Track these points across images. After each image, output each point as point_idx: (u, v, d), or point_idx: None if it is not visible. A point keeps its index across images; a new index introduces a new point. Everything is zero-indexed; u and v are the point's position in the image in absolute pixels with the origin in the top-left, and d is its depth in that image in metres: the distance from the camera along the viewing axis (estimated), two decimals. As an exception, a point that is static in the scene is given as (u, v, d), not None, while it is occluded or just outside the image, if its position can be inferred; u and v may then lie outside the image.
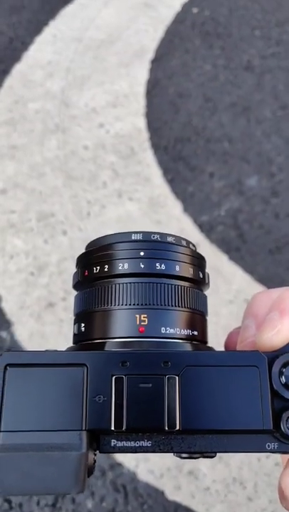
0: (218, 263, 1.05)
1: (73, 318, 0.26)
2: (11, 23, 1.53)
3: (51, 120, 1.30)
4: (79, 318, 0.25)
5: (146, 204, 1.14)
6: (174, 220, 1.11)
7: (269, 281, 1.03)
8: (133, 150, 1.24)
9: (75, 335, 0.25)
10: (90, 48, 1.48)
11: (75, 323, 0.26)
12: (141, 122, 1.30)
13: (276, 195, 1.17)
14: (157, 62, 1.45)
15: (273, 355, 0.22)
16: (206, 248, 1.07)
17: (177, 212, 1.12)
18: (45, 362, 0.21)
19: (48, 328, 0.97)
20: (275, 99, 1.37)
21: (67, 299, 1.00)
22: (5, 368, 0.20)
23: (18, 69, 1.42)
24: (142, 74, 1.42)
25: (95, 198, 1.15)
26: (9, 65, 1.42)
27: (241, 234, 1.10)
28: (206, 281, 0.26)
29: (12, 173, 1.20)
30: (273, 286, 1.03)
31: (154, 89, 1.38)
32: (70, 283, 1.02)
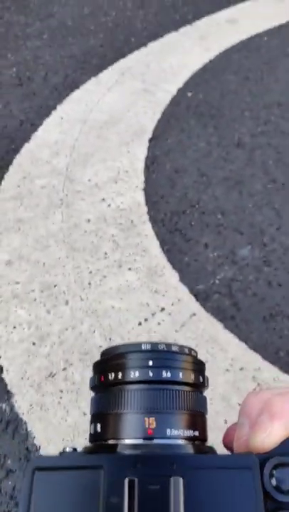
0: (213, 332, 1.09)
1: (90, 417, 0.29)
2: (23, 108, 1.69)
3: (56, 195, 1.40)
4: (94, 418, 0.28)
5: (145, 274, 1.20)
6: (172, 290, 1.17)
7: (263, 349, 1.06)
8: (133, 222, 1.33)
9: (91, 434, 0.28)
10: (94, 128, 1.62)
11: (91, 423, 0.28)
12: (140, 196, 1.40)
13: (268, 264, 1.23)
14: (155, 140, 1.59)
15: (264, 457, 0.24)
16: (202, 317, 1.11)
17: (174, 282, 1.18)
18: (68, 465, 0.24)
19: (48, 398, 0.99)
20: (265, 174, 1.48)
21: (68, 369, 1.03)
22: (33, 472, 0.23)
23: (27, 148, 1.56)
24: (141, 151, 1.54)
25: (97, 269, 1.22)
26: (19, 144, 1.56)
27: (236, 302, 1.15)
28: (206, 384, 0.29)
29: (17, 245, 1.28)
30: (267, 354, 1.06)
31: (152, 165, 1.50)
32: (71, 353, 1.04)
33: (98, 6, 2.24)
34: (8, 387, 1.02)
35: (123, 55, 1.95)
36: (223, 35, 2.07)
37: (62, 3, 2.23)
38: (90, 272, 1.22)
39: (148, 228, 1.32)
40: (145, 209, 1.36)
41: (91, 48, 1.99)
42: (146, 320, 1.12)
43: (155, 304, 1.14)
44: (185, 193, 1.41)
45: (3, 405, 1.00)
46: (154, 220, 1.33)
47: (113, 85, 1.80)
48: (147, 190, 1.42)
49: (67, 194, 1.40)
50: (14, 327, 1.11)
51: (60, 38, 2.03)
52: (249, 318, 1.12)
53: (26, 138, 1.58)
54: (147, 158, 1.53)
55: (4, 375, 1.04)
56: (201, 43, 2.03)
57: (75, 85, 1.79)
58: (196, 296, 1.15)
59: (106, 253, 1.26)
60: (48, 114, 1.67)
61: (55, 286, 1.19)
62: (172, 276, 1.20)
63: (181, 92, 1.77)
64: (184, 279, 1.19)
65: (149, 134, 1.60)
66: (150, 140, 1.59)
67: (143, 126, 1.63)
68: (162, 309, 1.12)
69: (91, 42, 2.02)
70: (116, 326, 1.10)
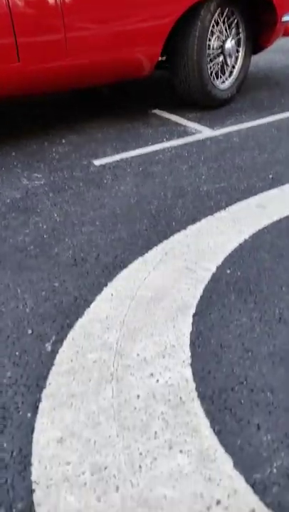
0: (276, 530, 1.06)
1: None
2: (77, 285, 1.99)
3: (107, 370, 1.55)
4: None
5: (197, 458, 1.24)
6: (226, 478, 1.19)
7: None
8: (182, 399, 1.42)
9: None
10: (141, 304, 1.86)
11: None
12: (188, 372, 1.52)
13: None
14: (198, 315, 1.78)
15: None
16: None
17: (228, 469, 1.20)
18: None
19: None
20: (309, 349, 1.59)
21: None
22: None
23: (81, 323, 1.77)
24: (186, 326, 1.73)
25: (147, 450, 1.27)
26: (73, 320, 1.79)
27: (296, 494, 1.14)
28: None
29: (69, 422, 1.37)
30: None
31: (197, 340, 1.66)
32: None
33: (142, 196, 2.75)
34: None
35: (165, 237, 2.32)
36: (254, 219, 2.45)
37: (112, 196, 2.77)
38: (141, 454, 1.27)
39: (197, 406, 1.40)
40: (193, 385, 1.47)
41: (137, 231, 2.39)
42: (201, 512, 1.11)
43: (210, 495, 1.14)
44: (232, 369, 1.53)
45: None
46: (202, 397, 1.42)
47: (157, 264, 2.11)
48: (194, 366, 1.55)
49: (117, 369, 1.55)
50: (64, 517, 1.12)
51: (110, 224, 2.47)
52: (313, 513, 1.10)
53: (80, 313, 1.82)
54: (192, 333, 1.70)
55: None
56: (235, 226, 2.40)
57: (123, 265, 2.11)
58: (253, 486, 1.16)
59: (156, 432, 1.32)
60: (99, 291, 1.94)
61: (105, 468, 1.23)
62: (226, 461, 1.23)
63: (220, 269, 2.05)
64: (238, 465, 1.21)
65: (192, 310, 1.81)
66: (194, 315, 1.78)
67: (187, 302, 1.85)
68: (218, 502, 1.13)
69: (137, 227, 2.43)
70: (169, 519, 1.10)
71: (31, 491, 1.20)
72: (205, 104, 4.28)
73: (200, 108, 4.32)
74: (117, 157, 3.31)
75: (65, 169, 3.13)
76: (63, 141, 3.63)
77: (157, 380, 1.50)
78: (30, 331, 1.75)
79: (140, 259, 2.16)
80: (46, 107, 4.55)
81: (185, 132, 3.78)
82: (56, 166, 3.19)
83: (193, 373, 1.52)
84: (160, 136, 3.71)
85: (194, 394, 1.44)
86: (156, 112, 4.32)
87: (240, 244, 2.24)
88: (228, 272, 2.04)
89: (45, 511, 1.14)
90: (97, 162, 3.23)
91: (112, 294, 1.93)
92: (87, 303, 1.88)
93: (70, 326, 1.76)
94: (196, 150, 3.40)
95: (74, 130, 3.85)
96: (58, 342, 1.69)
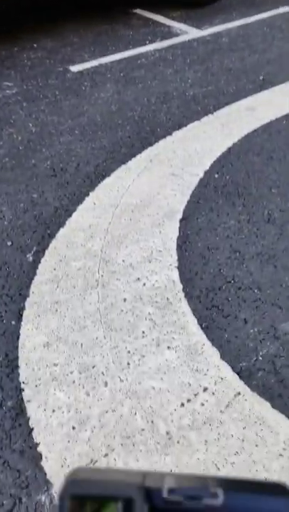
0: (261, 412, 1.09)
1: None
2: (57, 196, 1.89)
3: (92, 276, 1.51)
4: None
5: (184, 352, 1.25)
6: (213, 368, 1.20)
7: None
8: (169, 300, 1.40)
9: None
10: (126, 212, 1.78)
11: None
12: (174, 274, 1.49)
13: (313, 339, 1.25)
14: (185, 220, 1.72)
15: None
16: (247, 396, 1.13)
17: (215, 360, 1.22)
18: None
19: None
20: (298, 247, 1.56)
21: (109, 455, 1.04)
22: None
23: (62, 233, 1.71)
24: (172, 232, 1.67)
25: (135, 348, 1.27)
26: (54, 230, 1.73)
27: (282, 379, 1.16)
28: None
29: (55, 327, 1.36)
30: None
31: (184, 244, 1.62)
32: (112, 437, 1.07)
33: (124, 103, 2.56)
34: (48, 477, 1.03)
35: (150, 144, 2.19)
36: (243, 122, 2.31)
37: (91, 103, 2.58)
38: (129, 352, 1.27)
39: (184, 305, 1.39)
40: (180, 286, 1.45)
41: (119, 139, 2.25)
42: (188, 401, 1.13)
43: (197, 384, 1.16)
44: (219, 270, 1.50)
45: (43, 498, 1.01)
46: (190, 297, 1.41)
47: (142, 171, 2.00)
48: (181, 268, 1.52)
49: (102, 275, 1.51)
50: (53, 410, 1.14)
51: (90, 132, 2.32)
52: (298, 396, 1.12)
53: (61, 223, 1.75)
54: (179, 237, 1.65)
55: (43, 462, 1.05)
56: (223, 129, 2.27)
57: (106, 173, 2.00)
58: (239, 374, 1.17)
59: (144, 332, 1.32)
60: (81, 200, 1.86)
61: (93, 367, 1.24)
62: (213, 354, 1.24)
63: (208, 174, 1.96)
64: (225, 356, 1.22)
65: (179, 215, 1.75)
66: (181, 220, 1.72)
67: (173, 208, 1.79)
68: (205, 389, 1.15)
69: (119, 134, 2.29)
70: (158, 408, 1.12)
71: (20, 391, 1.21)
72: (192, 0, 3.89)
73: (186, 6, 3.93)
74: (95, 62, 3.05)
75: (39, 76, 2.88)
76: (35, 45, 3.32)
77: (144, 284, 1.47)
78: (9, 243, 1.69)
79: (123, 167, 2.05)
80: (12, 8, 4.10)
81: (169, 33, 3.46)
82: (29, 73, 2.94)
83: (181, 275, 1.49)
84: (142, 38, 3.40)
85: (181, 294, 1.42)
86: (138, 11, 3.93)
87: (229, 149, 2.13)
88: (216, 176, 1.95)
89: (36, 407, 1.16)
90: (74, 68, 2.98)
91: (94, 203, 1.85)
92: (69, 213, 1.80)
93: (52, 236, 1.70)
94: (181, 52, 3.14)
95: (47, 33, 3.51)
96: (40, 252, 1.64)
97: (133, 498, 0.24)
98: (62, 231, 1.72)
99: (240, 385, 1.13)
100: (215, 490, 0.24)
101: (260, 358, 1.20)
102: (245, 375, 1.16)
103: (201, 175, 1.96)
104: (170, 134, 2.26)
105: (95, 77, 2.87)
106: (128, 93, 2.66)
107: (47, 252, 1.64)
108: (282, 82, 2.64)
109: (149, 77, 2.83)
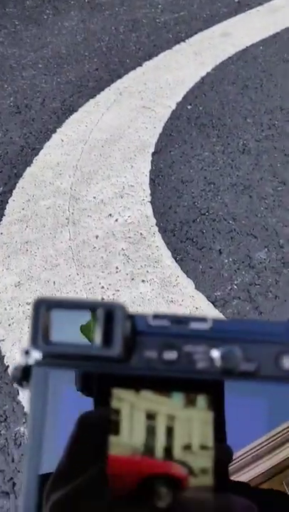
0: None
1: None
2: (22, 134, 1.79)
3: (62, 214, 1.46)
4: None
5: (159, 285, 1.23)
6: (188, 298, 1.19)
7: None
8: (142, 235, 1.37)
9: None
10: (96, 147, 1.71)
11: None
12: (148, 209, 1.45)
13: (288, 266, 1.25)
14: (158, 154, 1.66)
15: None
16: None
17: (190, 291, 1.21)
18: None
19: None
20: (274, 176, 1.53)
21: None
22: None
23: (30, 172, 1.63)
24: (145, 166, 1.61)
25: (109, 283, 1.25)
26: (21, 169, 1.64)
27: (257, 306, 1.17)
28: None
29: (26, 267, 1.32)
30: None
31: (157, 178, 1.56)
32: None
33: (91, 32, 2.39)
34: (26, 409, 1.03)
35: (119, 76, 2.07)
36: (217, 49, 2.19)
37: (54, 34, 2.39)
38: (103, 287, 1.25)
39: (158, 239, 1.36)
40: (154, 221, 1.41)
41: (86, 72, 2.11)
42: (164, 331, 1.13)
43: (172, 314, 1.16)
44: (193, 202, 1.46)
45: (21, 428, 1.02)
46: (164, 231, 1.38)
47: (111, 105, 1.90)
48: (154, 203, 1.47)
49: (73, 212, 1.46)
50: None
51: (55, 65, 2.17)
52: (274, 320, 1.13)
53: (28, 162, 1.66)
54: (151, 171, 1.59)
55: (20, 397, 1.05)
56: (196, 58, 2.15)
57: (73, 108, 1.89)
58: (214, 303, 1.17)
59: (117, 267, 1.29)
60: (48, 138, 1.76)
61: (67, 304, 1.22)
62: (187, 285, 1.23)
63: (181, 105, 1.87)
64: (200, 287, 1.22)
65: (151, 148, 1.68)
66: (153, 154, 1.66)
67: (145, 141, 1.71)
68: (180, 318, 1.14)
69: (86, 67, 2.15)
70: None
71: (-7, 331, 1.19)
72: None
73: None
74: (57, -12, 2.81)
75: (-4, 6, 2.65)
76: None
77: (116, 220, 1.43)
78: (-26, 184, 1.61)
79: (92, 101, 1.93)
80: None
81: None
82: (-15, 2, 2.69)
83: (154, 210, 1.45)
84: None
85: (155, 229, 1.39)
86: None
87: (202, 78, 2.02)
88: (189, 107, 1.87)
89: (10, 345, 1.15)
90: (33, -5, 2.74)
91: (62, 140, 1.76)
92: (36, 151, 1.71)
93: (19, 175, 1.62)
94: (150, -25, 2.90)
95: None
96: (7, 192, 1.56)
97: (114, 310, 0.21)
98: (29, 170, 1.64)
99: (215, 313, 1.13)
100: (204, 316, 0.22)
101: (235, 287, 1.20)
102: (220, 304, 1.16)
103: (174, 106, 1.87)
104: (140, 64, 2.13)
105: (57, 4, 2.65)
106: (94, 21, 2.47)
107: (14, 191, 1.57)
108: (259, 4, 2.49)
109: (116, 3, 2.62)
